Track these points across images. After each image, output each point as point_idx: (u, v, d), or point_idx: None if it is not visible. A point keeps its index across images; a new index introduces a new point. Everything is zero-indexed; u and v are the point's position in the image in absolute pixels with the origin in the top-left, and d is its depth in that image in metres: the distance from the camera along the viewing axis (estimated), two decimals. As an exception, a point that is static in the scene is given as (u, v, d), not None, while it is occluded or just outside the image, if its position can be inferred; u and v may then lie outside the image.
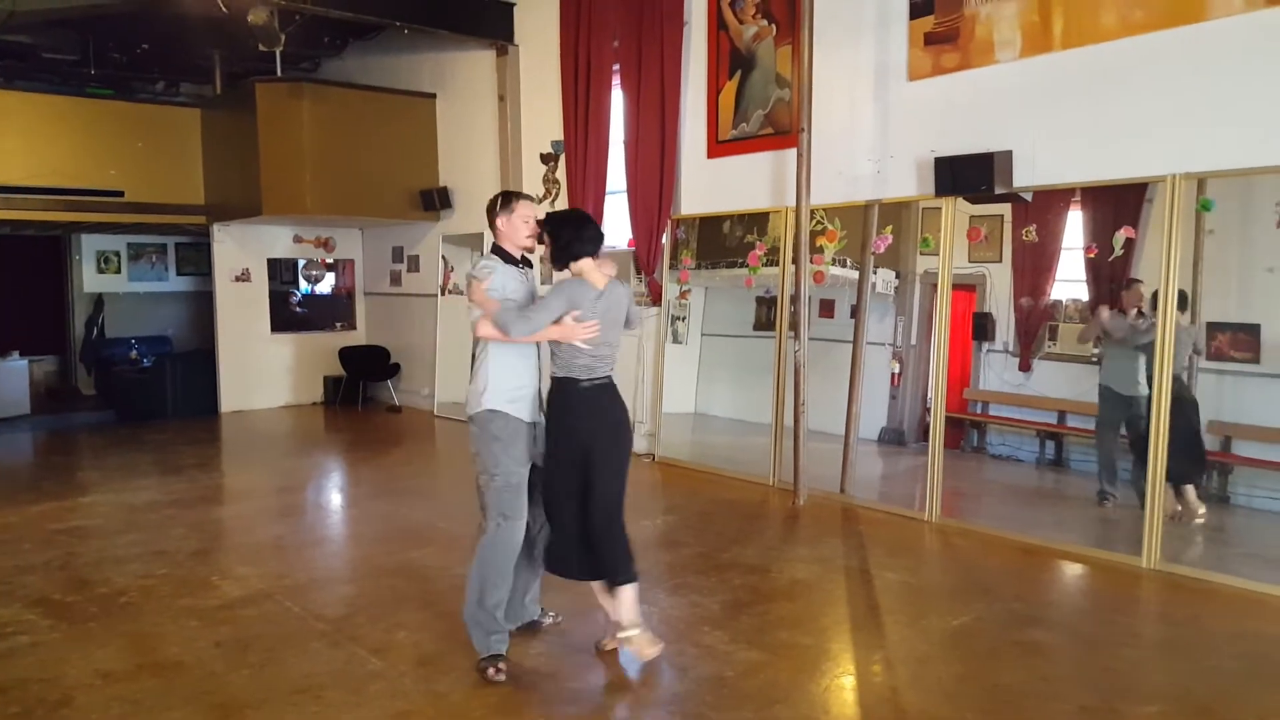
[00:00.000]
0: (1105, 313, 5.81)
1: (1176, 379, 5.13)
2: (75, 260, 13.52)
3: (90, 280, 13.68)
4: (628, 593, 3.72)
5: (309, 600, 4.55)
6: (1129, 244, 5.48)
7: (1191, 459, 5.34)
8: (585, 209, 8.29)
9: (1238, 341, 5.47)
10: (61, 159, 10.11)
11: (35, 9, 8.92)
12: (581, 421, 3.71)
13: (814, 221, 6.60)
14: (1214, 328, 5.52)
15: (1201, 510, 5.41)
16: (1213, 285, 5.48)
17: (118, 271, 13.82)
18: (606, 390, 3.77)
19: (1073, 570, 5.05)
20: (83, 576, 4.95)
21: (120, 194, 10.45)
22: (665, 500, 6.80)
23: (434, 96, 10.57)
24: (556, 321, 3.65)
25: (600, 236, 3.82)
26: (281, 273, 12.33)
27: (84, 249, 13.53)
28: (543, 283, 4.46)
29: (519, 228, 3.80)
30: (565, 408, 3.74)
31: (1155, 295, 5.15)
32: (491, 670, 3.62)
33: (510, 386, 3.74)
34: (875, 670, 3.78)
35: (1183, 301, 5.11)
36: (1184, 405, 5.19)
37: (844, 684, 3.65)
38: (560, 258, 3.75)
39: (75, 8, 9.07)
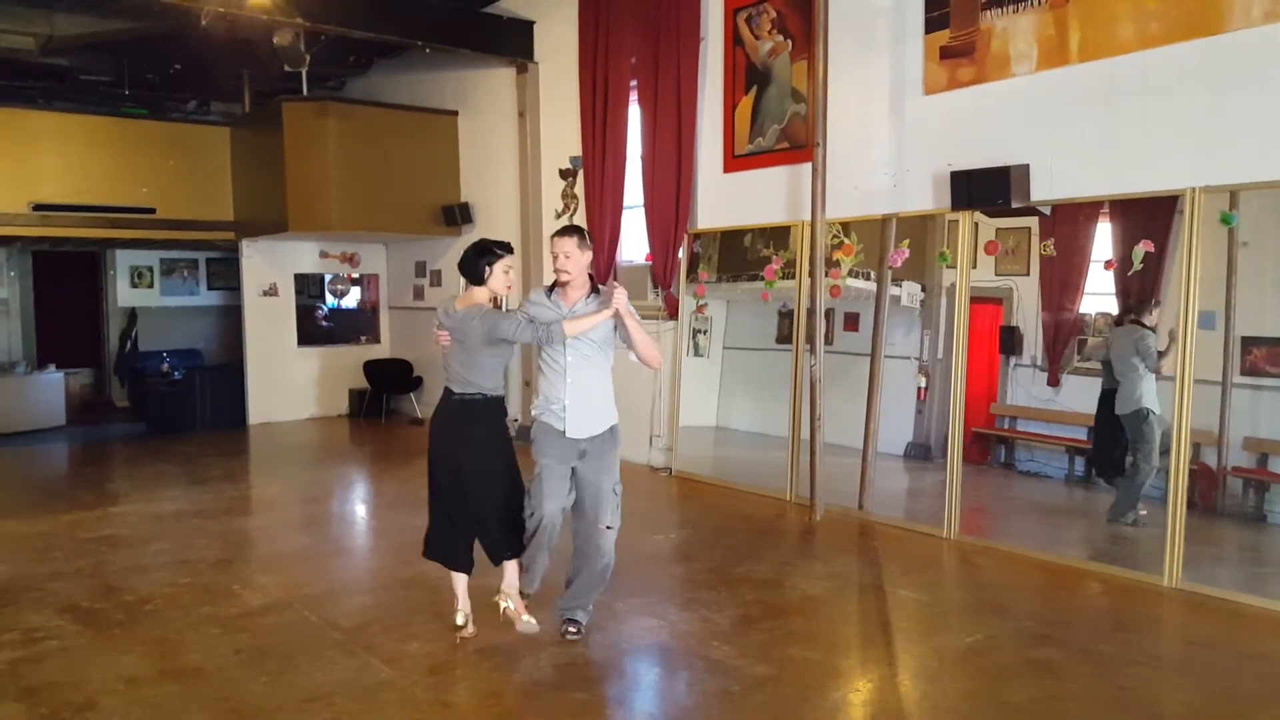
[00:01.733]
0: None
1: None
2: (110, 275, 13.82)
3: (124, 295, 13.97)
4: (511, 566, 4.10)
5: (326, 610, 4.63)
6: (1149, 258, 5.44)
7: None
8: (602, 223, 8.39)
9: (1275, 356, 5.38)
10: (97, 177, 10.37)
11: (72, 33, 9.19)
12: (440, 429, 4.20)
13: (831, 235, 6.62)
14: (1249, 342, 5.44)
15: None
16: (1248, 299, 5.38)
17: (150, 286, 14.11)
18: (458, 405, 4.08)
19: (1092, 589, 5.00)
20: (110, 584, 5.07)
21: (153, 211, 10.68)
22: (680, 514, 6.82)
23: (456, 114, 10.71)
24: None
25: (465, 262, 4.10)
26: (308, 287, 12.52)
27: (118, 264, 13.82)
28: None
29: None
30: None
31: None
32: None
33: None
34: (883, 687, 3.78)
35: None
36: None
37: (851, 700, 3.66)
38: None
39: (110, 31, 9.33)
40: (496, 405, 4.11)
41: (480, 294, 4.03)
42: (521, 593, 4.12)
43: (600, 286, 4.17)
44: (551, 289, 4.14)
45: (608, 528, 4.07)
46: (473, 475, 4.01)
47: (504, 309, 4.27)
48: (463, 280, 4.13)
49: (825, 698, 3.64)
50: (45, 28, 9.11)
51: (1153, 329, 5.63)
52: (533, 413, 4.16)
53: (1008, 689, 3.68)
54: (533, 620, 4.02)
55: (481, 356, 3.99)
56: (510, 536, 4.05)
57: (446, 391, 4.10)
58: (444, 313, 4.11)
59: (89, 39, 9.53)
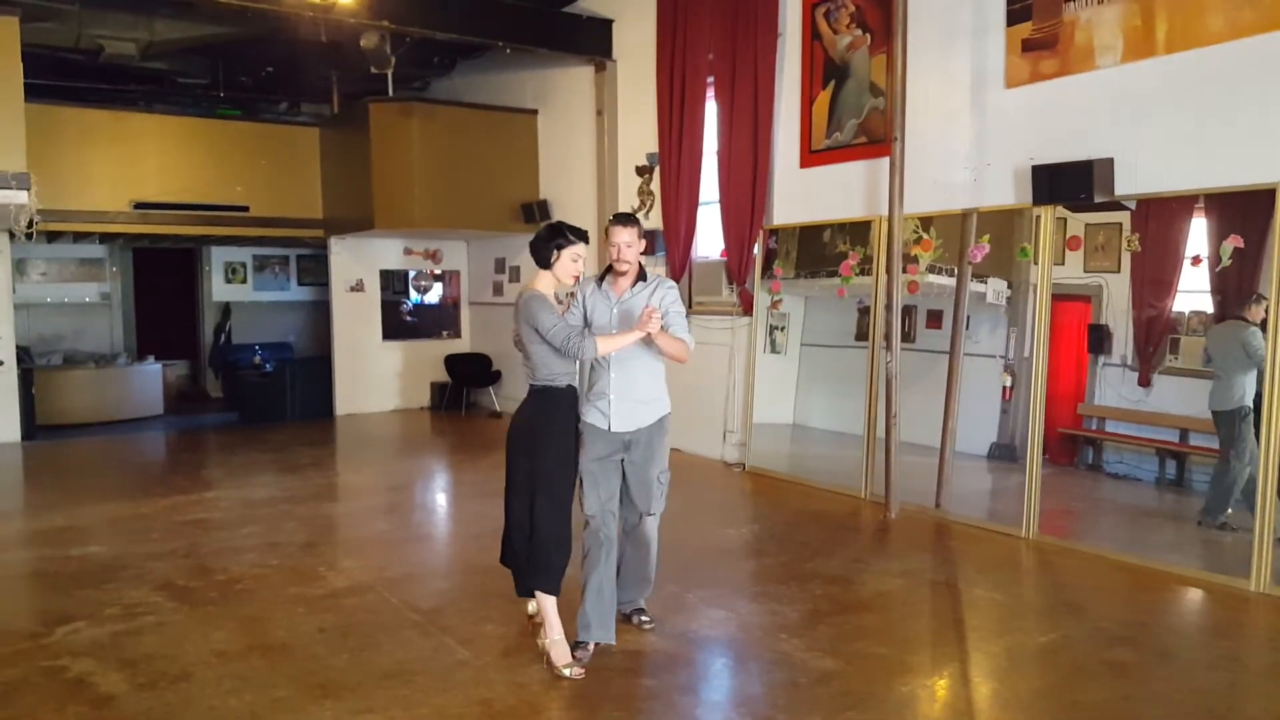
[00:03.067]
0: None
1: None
2: (205, 271, 14.43)
3: (219, 290, 14.59)
4: (543, 603, 3.82)
5: (406, 592, 4.79)
6: (1246, 253, 5.25)
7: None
8: (678, 219, 8.43)
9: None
10: (194, 176, 10.86)
11: (171, 38, 9.63)
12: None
13: (910, 231, 6.55)
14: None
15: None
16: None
17: (244, 281, 14.70)
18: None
19: (1174, 592, 4.86)
20: (204, 564, 5.32)
21: (246, 209, 11.13)
22: (753, 510, 6.83)
23: (535, 112, 10.90)
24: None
25: (535, 243, 3.86)
26: (393, 283, 12.88)
27: (213, 260, 14.43)
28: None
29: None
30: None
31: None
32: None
33: None
34: (953, 683, 3.75)
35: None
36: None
37: (919, 695, 3.64)
38: None
39: (206, 36, 9.75)
40: (560, 396, 3.83)
41: (545, 281, 3.81)
42: (578, 641, 3.85)
43: (648, 274, 4.08)
44: (603, 276, 4.07)
45: (649, 514, 4.10)
46: (538, 464, 3.77)
47: (577, 295, 4.09)
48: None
49: (893, 692, 3.63)
50: (146, 34, 9.57)
51: (1259, 325, 5.41)
52: (581, 410, 4.02)
53: (1081, 689, 3.62)
54: (577, 669, 3.71)
55: (531, 345, 3.78)
56: (548, 561, 3.75)
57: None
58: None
59: (186, 44, 9.99)
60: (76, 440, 10.22)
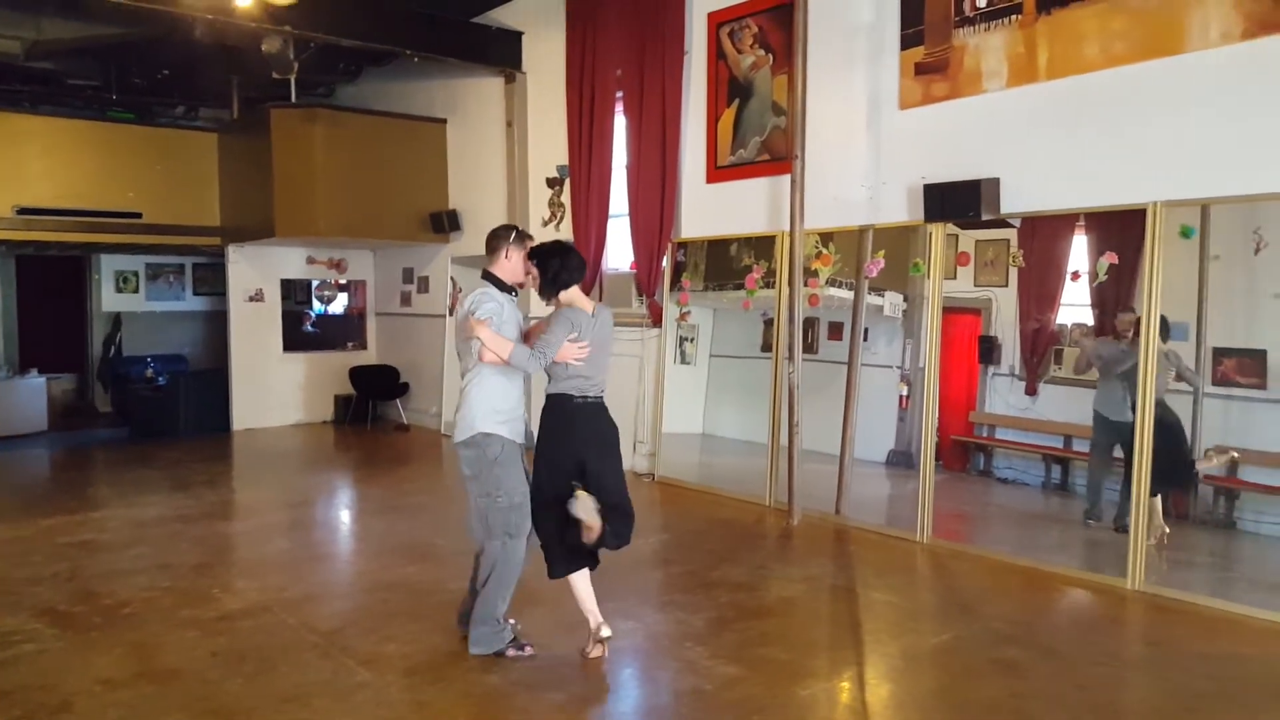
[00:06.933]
0: (1090, 340, 5.92)
1: (1159, 403, 5.19)
2: (95, 280, 13.78)
3: (109, 299, 13.92)
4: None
5: (304, 613, 4.67)
6: (1122, 269, 5.57)
7: (1172, 479, 5.44)
8: (589, 231, 8.47)
9: (1244, 367, 5.53)
10: (83, 181, 10.39)
11: (60, 37, 9.22)
12: (575, 434, 3.95)
13: (811, 245, 6.73)
14: (1220, 353, 5.59)
15: (1164, 528, 5.43)
16: (1219, 311, 5.57)
17: (136, 291, 14.06)
18: (598, 408, 4.01)
19: (1058, 592, 5.11)
20: (89, 588, 5.09)
21: (139, 215, 10.71)
22: (661, 519, 6.89)
23: (445, 122, 10.79)
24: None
25: (584, 265, 4.20)
26: (295, 293, 12.54)
27: (103, 269, 13.77)
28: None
29: (519, 265, 4.10)
30: (560, 421, 3.97)
31: (1137, 322, 5.26)
32: (513, 650, 4.03)
33: (503, 409, 3.98)
34: (851, 685, 3.86)
35: (1164, 329, 5.20)
36: (1165, 428, 5.24)
37: (819, 698, 3.74)
38: (549, 289, 4.05)
39: (98, 35, 9.36)
40: (592, 409, 4.05)
41: (579, 295, 4.10)
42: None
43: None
44: (510, 290, 4.15)
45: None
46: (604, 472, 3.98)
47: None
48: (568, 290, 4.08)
49: (794, 696, 3.71)
50: (32, 32, 9.13)
51: (1120, 337, 5.77)
52: (503, 433, 3.96)
53: (972, 688, 3.77)
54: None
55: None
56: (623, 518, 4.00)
57: (563, 398, 3.97)
58: (581, 321, 3.96)
59: (76, 43, 9.55)
60: (-49, 458, 9.66)
